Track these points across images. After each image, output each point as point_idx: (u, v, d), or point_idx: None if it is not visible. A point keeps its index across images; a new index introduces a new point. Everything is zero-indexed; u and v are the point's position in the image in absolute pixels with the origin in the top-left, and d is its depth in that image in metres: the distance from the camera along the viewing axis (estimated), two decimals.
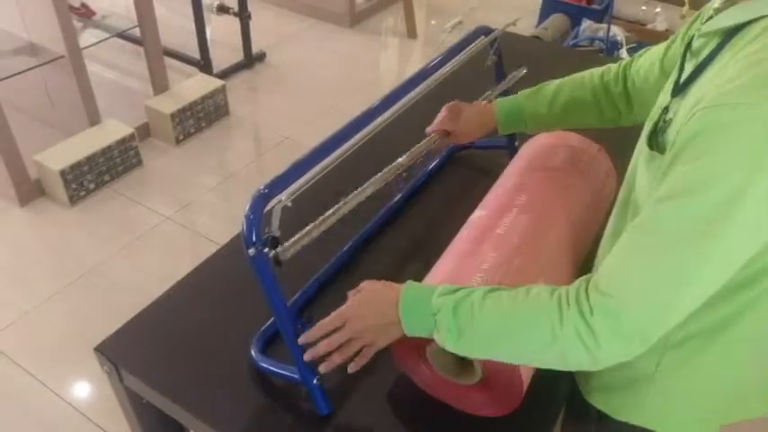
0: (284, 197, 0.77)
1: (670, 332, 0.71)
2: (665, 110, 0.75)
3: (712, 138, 0.60)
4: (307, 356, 0.86)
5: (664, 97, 0.79)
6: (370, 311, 0.84)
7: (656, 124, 0.76)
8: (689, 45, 0.77)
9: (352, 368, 0.86)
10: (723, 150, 0.60)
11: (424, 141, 1.12)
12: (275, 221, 0.77)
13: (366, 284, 0.86)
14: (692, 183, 0.62)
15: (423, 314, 0.78)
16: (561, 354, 0.71)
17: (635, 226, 0.68)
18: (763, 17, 0.64)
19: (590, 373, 0.92)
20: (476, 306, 0.75)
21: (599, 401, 0.92)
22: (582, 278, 0.72)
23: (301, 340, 0.86)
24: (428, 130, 1.16)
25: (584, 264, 1.04)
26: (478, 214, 1.05)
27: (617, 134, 1.24)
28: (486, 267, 0.90)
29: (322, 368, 0.86)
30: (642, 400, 0.85)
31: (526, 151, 1.19)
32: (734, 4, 0.68)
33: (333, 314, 0.85)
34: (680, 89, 0.74)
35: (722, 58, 0.67)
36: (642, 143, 0.80)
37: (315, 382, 0.89)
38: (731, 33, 0.68)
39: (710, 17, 0.72)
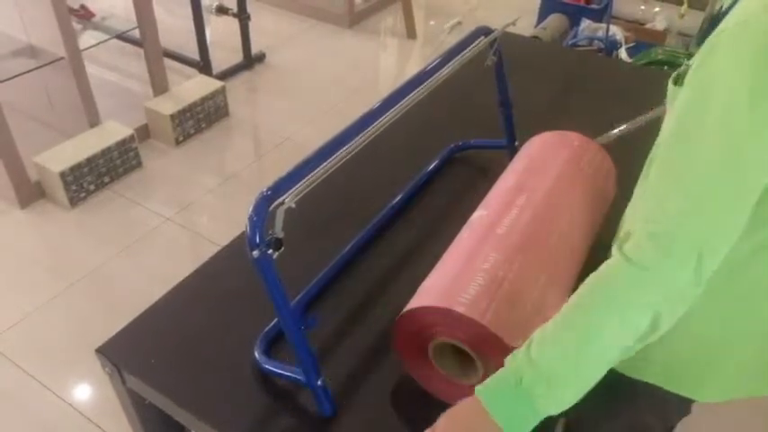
0: (288, 199, 0.77)
1: None
2: (690, 56, 0.79)
3: (721, 44, 0.65)
4: None
5: (693, 49, 0.83)
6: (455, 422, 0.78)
7: (681, 69, 0.79)
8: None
9: None
10: (731, 51, 0.64)
11: None
12: (279, 223, 0.77)
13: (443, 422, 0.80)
14: (705, 85, 0.66)
15: (508, 397, 0.73)
16: (635, 318, 0.69)
17: (661, 156, 0.71)
18: None
19: None
20: (541, 335, 0.73)
21: None
22: (614, 245, 0.72)
23: None
24: None
25: (585, 262, 1.04)
26: (479, 214, 1.05)
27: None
28: (488, 267, 0.90)
29: None
30: (651, 357, 0.85)
31: (526, 151, 1.20)
32: None
33: None
34: (703, 38, 0.76)
35: (737, 8, 0.71)
36: (669, 92, 0.82)
37: (318, 383, 0.89)
38: None
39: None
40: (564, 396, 0.72)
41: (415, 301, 0.90)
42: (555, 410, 0.72)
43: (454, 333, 0.87)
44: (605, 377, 0.91)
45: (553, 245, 0.99)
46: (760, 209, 0.69)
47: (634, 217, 0.73)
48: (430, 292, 0.91)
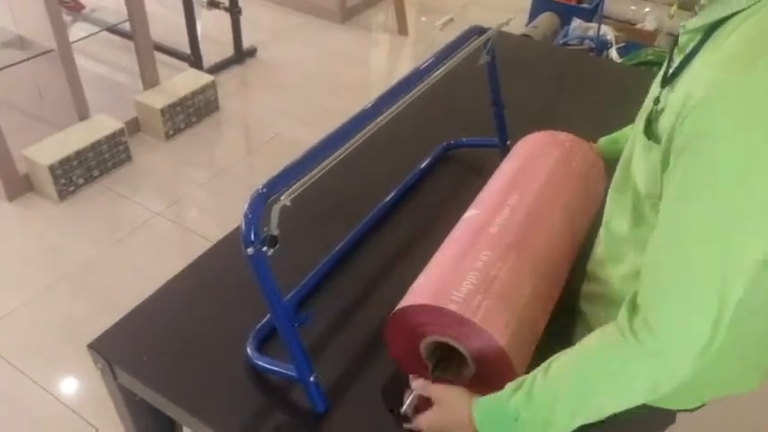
0: (283, 197, 0.77)
1: None
2: (657, 100, 0.79)
3: (707, 137, 0.64)
4: None
5: (655, 88, 0.83)
6: (443, 419, 0.84)
7: (649, 114, 0.79)
8: (676, 41, 0.81)
9: None
10: (719, 148, 0.63)
11: None
12: (274, 220, 0.78)
13: (434, 396, 0.86)
14: (698, 183, 0.65)
15: (503, 425, 0.78)
16: (645, 388, 0.72)
17: (659, 239, 0.70)
18: (738, 12, 0.68)
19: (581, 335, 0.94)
20: (546, 382, 0.75)
21: None
22: (624, 307, 0.73)
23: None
24: None
25: (577, 259, 1.05)
26: (472, 213, 1.06)
27: (608, 131, 1.26)
28: (480, 266, 0.91)
29: None
30: None
31: (518, 151, 1.21)
32: (714, 1, 0.72)
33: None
34: (668, 81, 0.78)
35: (704, 53, 0.72)
36: (638, 132, 0.83)
37: (311, 379, 0.89)
38: (711, 29, 0.72)
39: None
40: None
41: (407, 300, 0.91)
42: None
43: (446, 331, 0.88)
44: None
45: (545, 243, 1.00)
46: None
47: (644, 286, 0.72)
48: (422, 291, 0.91)
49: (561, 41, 3.10)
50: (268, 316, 1.03)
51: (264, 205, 0.78)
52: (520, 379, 0.79)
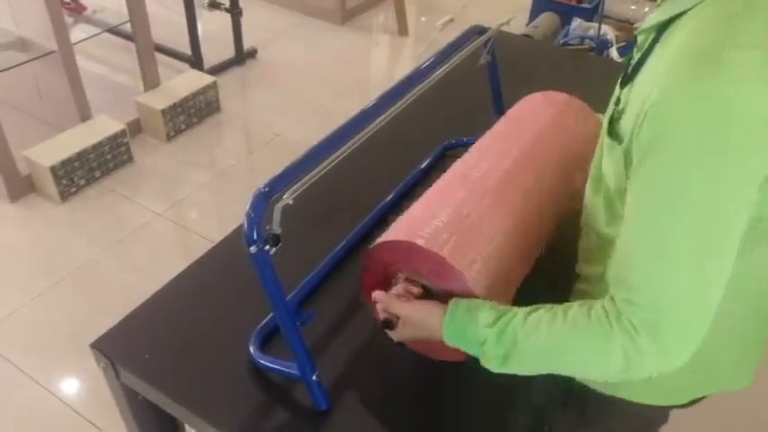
0: (286, 195, 0.78)
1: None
2: (618, 100, 0.80)
3: (668, 134, 0.65)
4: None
5: (617, 88, 0.84)
6: (417, 329, 0.88)
7: (611, 115, 0.81)
8: (635, 40, 0.83)
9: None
10: (682, 144, 0.64)
11: None
12: (276, 219, 0.78)
13: (409, 308, 0.88)
14: (668, 183, 0.66)
15: (469, 342, 0.81)
16: (609, 371, 0.73)
17: (637, 230, 0.71)
18: (687, 10, 0.70)
19: None
20: (519, 333, 0.77)
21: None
22: (611, 292, 0.74)
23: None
24: None
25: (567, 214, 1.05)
26: (459, 161, 1.07)
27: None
28: (454, 204, 0.92)
29: None
30: None
31: (513, 110, 1.22)
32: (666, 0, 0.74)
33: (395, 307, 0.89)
34: (627, 80, 0.79)
35: (657, 51, 0.74)
36: (603, 132, 0.84)
37: (314, 378, 0.90)
38: (663, 28, 0.73)
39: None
40: (510, 371, 0.80)
41: (381, 238, 0.92)
42: (496, 371, 0.81)
43: (415, 268, 0.89)
44: (584, 397, 0.93)
45: (528, 193, 1.00)
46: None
47: (620, 271, 0.73)
48: (394, 229, 0.93)
49: (562, 41, 3.11)
50: (270, 315, 1.03)
51: (267, 204, 0.78)
52: (499, 311, 0.80)
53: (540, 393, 1.01)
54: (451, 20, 3.96)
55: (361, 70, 3.57)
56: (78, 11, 2.97)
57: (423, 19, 4.14)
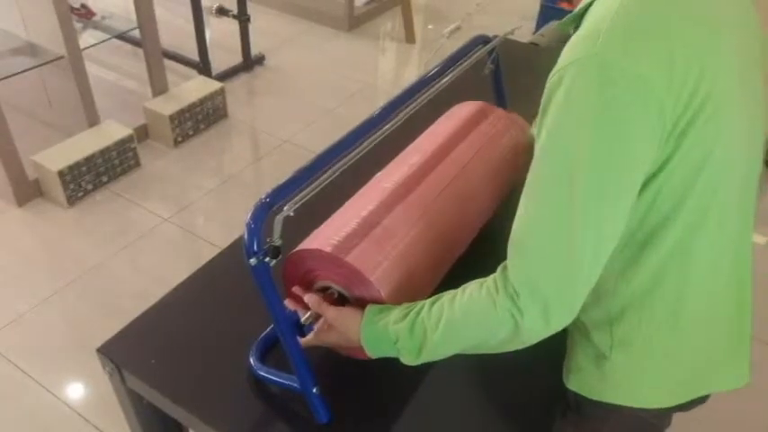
0: (286, 207, 0.78)
1: (608, 305, 0.79)
2: None
3: (555, 96, 0.71)
4: None
5: None
6: (338, 338, 0.92)
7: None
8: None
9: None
10: (564, 106, 0.69)
11: None
12: (277, 231, 0.78)
13: (336, 312, 0.91)
14: (549, 139, 0.70)
15: (385, 346, 0.85)
16: (505, 338, 0.76)
17: (525, 191, 0.75)
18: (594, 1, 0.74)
19: (566, 356, 0.94)
20: (426, 322, 0.80)
21: (574, 384, 0.93)
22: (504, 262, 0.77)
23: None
24: None
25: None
26: (376, 175, 1.11)
27: None
28: (365, 214, 0.96)
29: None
30: (609, 377, 0.87)
31: (434, 125, 1.25)
32: None
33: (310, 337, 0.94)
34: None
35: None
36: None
37: (314, 390, 0.89)
38: (580, 17, 0.78)
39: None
40: (426, 360, 0.83)
41: (296, 248, 0.94)
42: (413, 364, 0.84)
43: (329, 275, 0.92)
44: (578, 403, 0.93)
45: (439, 199, 1.03)
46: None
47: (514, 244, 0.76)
48: (308, 240, 0.95)
49: None
50: (271, 326, 1.03)
51: (267, 215, 0.78)
52: (408, 307, 0.84)
53: (540, 403, 1.00)
54: (458, 28, 3.95)
55: (368, 77, 3.58)
56: (87, 17, 2.98)
57: (430, 27, 4.14)
